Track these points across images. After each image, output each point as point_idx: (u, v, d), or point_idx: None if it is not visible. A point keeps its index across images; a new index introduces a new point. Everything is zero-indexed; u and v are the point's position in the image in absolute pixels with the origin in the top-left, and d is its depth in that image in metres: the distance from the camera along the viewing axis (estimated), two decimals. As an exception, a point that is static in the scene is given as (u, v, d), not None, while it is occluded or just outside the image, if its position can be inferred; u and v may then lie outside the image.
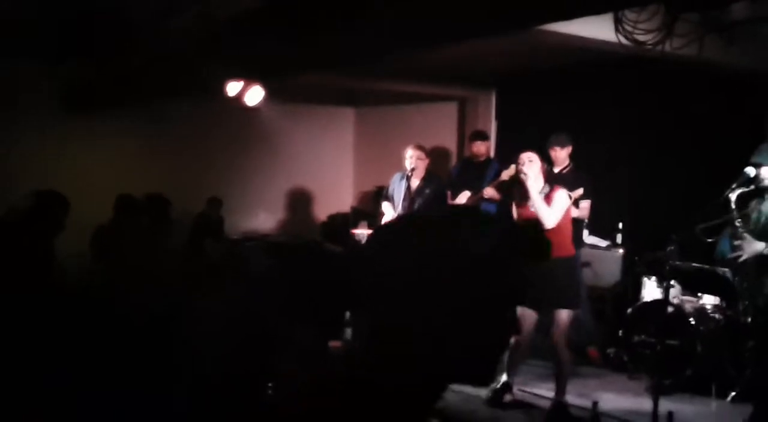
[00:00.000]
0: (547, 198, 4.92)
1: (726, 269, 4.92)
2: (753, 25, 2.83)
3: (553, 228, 4.87)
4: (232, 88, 6.40)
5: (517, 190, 5.12)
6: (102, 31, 6.09)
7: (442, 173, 7.64)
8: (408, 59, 6.78)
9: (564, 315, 4.93)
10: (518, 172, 5.00)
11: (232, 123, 8.36)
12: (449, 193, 7.27)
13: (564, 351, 4.95)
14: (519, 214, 5.10)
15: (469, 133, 8.09)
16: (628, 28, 2.89)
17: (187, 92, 7.07)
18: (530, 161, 4.98)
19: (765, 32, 2.88)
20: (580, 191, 5.79)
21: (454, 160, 8.88)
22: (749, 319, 4.81)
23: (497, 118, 8.71)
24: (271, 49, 5.48)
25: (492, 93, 8.72)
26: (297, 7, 4.93)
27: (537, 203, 4.87)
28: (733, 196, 4.54)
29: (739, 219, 4.56)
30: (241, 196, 9.00)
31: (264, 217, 9.34)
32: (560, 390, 4.99)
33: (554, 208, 4.89)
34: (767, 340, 4.55)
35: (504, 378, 5.15)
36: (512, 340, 5.57)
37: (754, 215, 4.71)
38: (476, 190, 6.90)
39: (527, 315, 5.01)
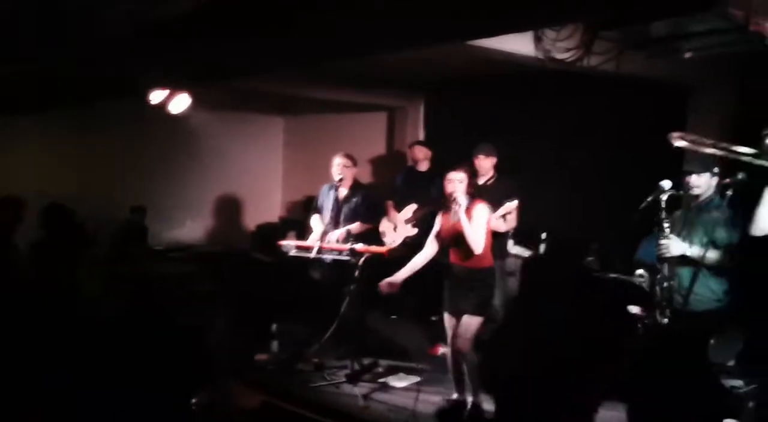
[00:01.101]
0: (467, 211, 4.99)
1: (641, 278, 5.08)
2: (669, 42, 2.94)
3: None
4: (157, 95, 6.27)
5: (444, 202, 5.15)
6: (26, 30, 5.87)
7: (373, 181, 7.69)
8: (337, 68, 6.80)
9: (472, 321, 5.00)
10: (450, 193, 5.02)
11: (159, 130, 8.18)
12: (391, 203, 7.30)
13: (470, 355, 5.01)
14: (442, 223, 5.15)
15: (409, 142, 8.17)
16: (548, 47, 2.96)
17: (111, 96, 6.90)
18: (460, 182, 5.02)
19: (681, 48, 3.01)
20: (509, 205, 5.88)
21: (383, 170, 8.93)
22: (669, 327, 4.95)
23: (425, 128, 8.80)
24: (198, 55, 5.41)
25: (420, 103, 8.80)
26: (224, 12, 4.88)
27: (467, 232, 4.93)
28: (663, 197, 4.71)
29: (667, 221, 4.73)
30: (167, 205, 8.80)
31: (191, 227, 9.18)
32: (475, 394, 5.07)
33: (477, 229, 4.93)
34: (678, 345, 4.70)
35: (455, 395, 5.22)
36: (444, 352, 5.66)
37: (679, 220, 4.88)
38: (422, 202, 6.93)
39: (448, 323, 5.13)
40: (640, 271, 5.17)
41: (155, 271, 6.28)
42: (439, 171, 7.25)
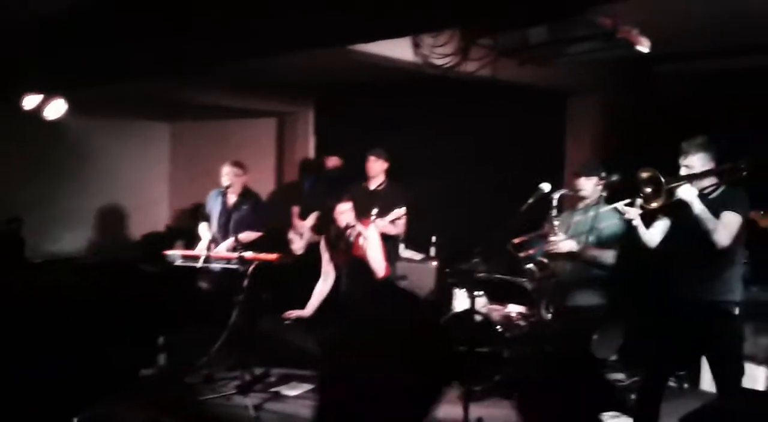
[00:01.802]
0: (359, 237, 4.99)
1: (525, 279, 5.23)
2: (542, 49, 3.04)
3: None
4: (30, 100, 5.96)
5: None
6: None
7: (263, 189, 7.57)
8: (224, 73, 6.67)
9: None
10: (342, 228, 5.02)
11: (34, 137, 7.78)
12: (297, 209, 7.20)
13: None
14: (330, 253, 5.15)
15: (299, 148, 8.12)
16: (425, 52, 3.00)
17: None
18: (351, 211, 5.02)
19: (554, 55, 3.12)
20: (398, 211, 5.91)
21: (273, 176, 8.83)
22: (551, 321, 5.12)
23: (316, 134, 8.77)
24: (74, 58, 5.18)
25: (310, 109, 8.76)
26: (103, 14, 4.69)
27: (371, 259, 4.96)
28: (555, 196, 4.87)
29: (557, 220, 4.90)
30: (46, 216, 8.38)
31: (72, 238, 8.78)
32: None
33: (375, 255, 4.96)
34: (565, 343, 4.87)
35: None
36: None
37: (566, 220, 5.06)
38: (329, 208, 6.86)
39: None
40: (529, 266, 5.34)
41: (31, 285, 5.96)
42: (348, 177, 7.28)
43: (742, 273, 4.15)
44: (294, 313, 5.15)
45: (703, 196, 3.98)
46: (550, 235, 4.92)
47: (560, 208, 5.05)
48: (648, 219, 4.27)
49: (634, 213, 4.25)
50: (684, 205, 3.98)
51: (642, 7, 2.83)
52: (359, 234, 4.88)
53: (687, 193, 3.96)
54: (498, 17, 2.77)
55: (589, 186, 4.99)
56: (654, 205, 3.99)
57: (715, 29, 5.20)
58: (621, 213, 4.77)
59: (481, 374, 5.46)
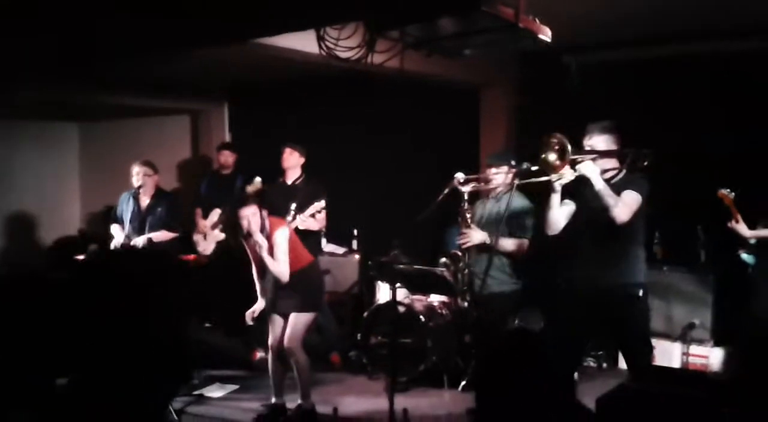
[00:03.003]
0: (268, 241, 4.91)
1: (443, 269, 5.27)
2: (447, 41, 3.05)
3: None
4: None
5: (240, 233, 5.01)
6: None
7: (185, 188, 7.42)
8: (134, 72, 6.47)
9: (300, 319, 4.98)
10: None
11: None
12: (199, 210, 7.08)
13: (300, 354, 4.97)
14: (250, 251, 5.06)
15: (215, 145, 7.94)
16: (330, 45, 2.97)
17: None
18: (253, 215, 4.87)
19: (459, 47, 3.13)
20: (318, 205, 5.84)
21: (189, 174, 8.64)
22: (470, 310, 5.18)
23: (231, 130, 8.63)
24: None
25: (224, 105, 8.61)
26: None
27: (272, 268, 4.90)
28: (466, 189, 4.92)
29: (469, 212, 4.97)
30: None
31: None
32: (304, 394, 5.02)
33: (279, 260, 4.90)
34: (485, 329, 4.93)
35: (274, 400, 5.10)
36: (264, 356, 5.53)
37: (478, 210, 5.13)
38: (227, 206, 6.74)
39: (276, 324, 5.03)
40: (443, 260, 5.38)
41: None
42: (243, 173, 7.17)
43: (645, 256, 4.26)
44: (255, 309, 5.06)
45: (604, 180, 4.07)
46: (463, 227, 4.98)
47: (472, 199, 5.12)
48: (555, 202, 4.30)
49: (547, 201, 4.32)
50: (586, 183, 4.04)
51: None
52: (264, 247, 4.82)
53: (589, 168, 4.03)
54: (401, 9, 2.77)
55: (500, 176, 5.06)
56: (557, 175, 4.02)
57: (620, 19, 5.34)
58: (530, 201, 4.86)
59: (405, 365, 5.49)
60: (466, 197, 4.97)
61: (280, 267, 4.89)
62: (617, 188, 4.04)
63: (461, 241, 5.03)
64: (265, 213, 4.95)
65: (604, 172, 4.11)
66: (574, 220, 4.22)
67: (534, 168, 4.28)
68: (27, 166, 8.91)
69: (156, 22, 3.27)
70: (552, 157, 4.01)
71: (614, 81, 6.16)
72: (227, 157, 7.35)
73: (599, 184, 3.99)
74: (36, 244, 8.82)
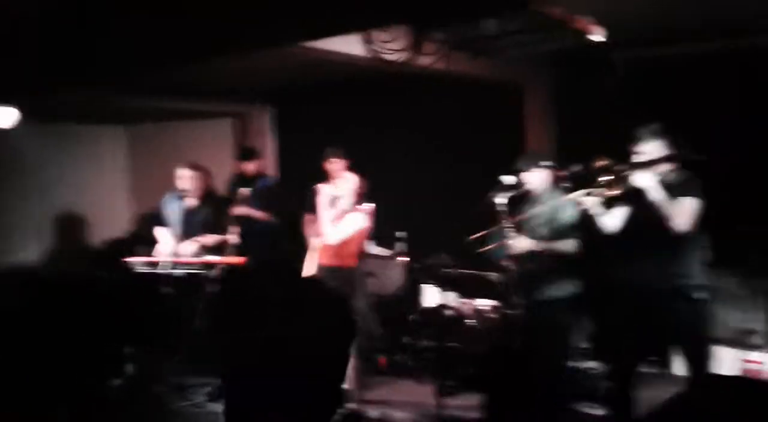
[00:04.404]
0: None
1: (492, 273, 5.20)
2: (492, 42, 2.99)
3: (343, 241, 5.16)
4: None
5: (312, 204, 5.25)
6: None
7: (222, 190, 7.43)
8: (179, 76, 6.53)
9: None
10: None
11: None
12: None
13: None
14: (311, 224, 5.29)
15: (259, 147, 7.96)
16: (377, 48, 2.94)
17: None
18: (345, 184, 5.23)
19: (504, 47, 3.07)
20: (369, 206, 5.82)
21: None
22: (521, 315, 5.10)
23: (275, 132, 8.66)
24: (27, 66, 5.03)
25: (267, 108, 8.65)
26: (47, 21, 4.56)
27: (325, 223, 5.11)
28: (503, 201, 4.85)
29: (509, 221, 4.89)
30: (2, 226, 8.19)
31: (29, 247, 8.57)
32: (352, 396, 5.05)
33: (343, 227, 5.11)
34: (535, 335, 4.85)
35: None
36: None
37: (525, 212, 5.03)
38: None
39: None
40: (489, 263, 5.31)
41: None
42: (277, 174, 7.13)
43: (703, 258, 4.16)
44: None
45: (658, 182, 3.99)
46: (507, 231, 4.89)
47: (517, 202, 5.01)
48: (607, 207, 4.27)
49: (591, 203, 4.26)
50: (640, 192, 3.98)
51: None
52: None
53: (643, 179, 3.97)
54: (448, 12, 2.72)
55: (534, 179, 4.92)
56: (611, 193, 4.01)
57: (669, 16, 5.21)
58: (579, 204, 4.76)
59: (453, 369, 5.44)
60: (511, 199, 4.89)
61: (333, 232, 5.10)
62: (671, 190, 3.97)
63: (508, 249, 4.94)
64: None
65: (656, 176, 4.03)
66: (628, 223, 4.15)
67: (579, 169, 4.22)
68: (76, 169, 9.05)
69: (206, 27, 3.28)
70: (604, 179, 3.98)
71: (664, 77, 6.00)
72: (247, 166, 7.35)
73: (655, 194, 3.92)
74: (85, 246, 8.97)
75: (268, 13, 3.10)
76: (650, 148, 4.12)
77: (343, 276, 5.15)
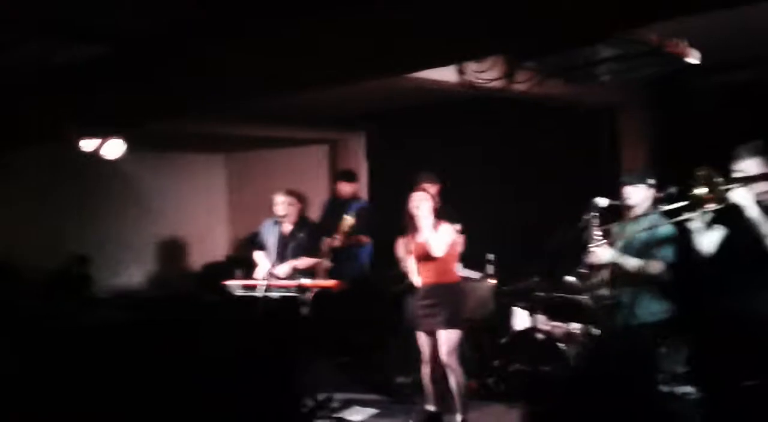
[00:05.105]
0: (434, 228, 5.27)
1: (585, 296, 5.15)
2: (588, 67, 3.03)
3: (439, 257, 5.26)
4: (89, 143, 6.14)
5: (407, 224, 5.41)
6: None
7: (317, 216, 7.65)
8: (274, 104, 6.79)
9: (451, 335, 5.20)
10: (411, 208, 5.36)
11: (89, 174, 8.01)
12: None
13: (457, 369, 5.19)
14: (406, 245, 5.43)
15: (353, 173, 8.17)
16: (471, 77, 3.03)
17: (36, 142, 6.77)
18: (423, 200, 5.36)
19: (598, 73, 3.11)
20: (457, 227, 5.93)
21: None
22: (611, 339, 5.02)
23: (368, 158, 8.85)
24: (122, 99, 5.35)
25: (361, 134, 8.85)
26: (145, 53, 4.83)
27: (428, 235, 5.23)
28: (597, 210, 4.82)
29: (601, 232, 4.84)
30: (110, 252, 8.63)
31: (136, 272, 9.00)
32: (463, 410, 5.14)
33: (442, 239, 5.25)
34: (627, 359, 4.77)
35: (431, 407, 5.34)
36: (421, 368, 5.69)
37: (616, 232, 4.95)
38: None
39: (423, 342, 5.33)
40: (569, 278, 5.32)
41: (97, 321, 6.09)
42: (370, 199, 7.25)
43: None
44: None
45: (757, 202, 3.89)
46: (595, 240, 4.83)
47: (608, 219, 4.94)
48: (705, 224, 4.19)
49: (690, 219, 4.19)
50: (738, 210, 3.89)
51: (684, 21, 2.80)
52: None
53: (741, 196, 3.87)
54: (543, 43, 2.78)
55: (637, 195, 4.83)
56: (708, 207, 3.93)
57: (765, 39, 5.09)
58: (677, 223, 4.65)
59: (545, 392, 5.39)
60: (596, 217, 4.84)
61: (440, 244, 5.25)
62: (768, 210, 3.86)
63: (589, 260, 4.88)
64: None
65: (756, 196, 3.93)
66: (726, 244, 4.06)
67: (675, 190, 4.16)
68: (178, 196, 9.46)
69: (308, 59, 3.42)
70: (701, 191, 3.91)
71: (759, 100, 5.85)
72: (344, 187, 7.53)
73: (753, 212, 3.82)
74: (187, 270, 9.36)
75: (370, 47, 3.20)
76: (749, 166, 4.03)
77: (447, 293, 5.30)
